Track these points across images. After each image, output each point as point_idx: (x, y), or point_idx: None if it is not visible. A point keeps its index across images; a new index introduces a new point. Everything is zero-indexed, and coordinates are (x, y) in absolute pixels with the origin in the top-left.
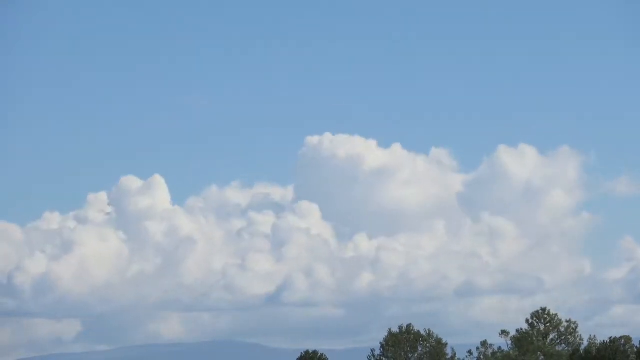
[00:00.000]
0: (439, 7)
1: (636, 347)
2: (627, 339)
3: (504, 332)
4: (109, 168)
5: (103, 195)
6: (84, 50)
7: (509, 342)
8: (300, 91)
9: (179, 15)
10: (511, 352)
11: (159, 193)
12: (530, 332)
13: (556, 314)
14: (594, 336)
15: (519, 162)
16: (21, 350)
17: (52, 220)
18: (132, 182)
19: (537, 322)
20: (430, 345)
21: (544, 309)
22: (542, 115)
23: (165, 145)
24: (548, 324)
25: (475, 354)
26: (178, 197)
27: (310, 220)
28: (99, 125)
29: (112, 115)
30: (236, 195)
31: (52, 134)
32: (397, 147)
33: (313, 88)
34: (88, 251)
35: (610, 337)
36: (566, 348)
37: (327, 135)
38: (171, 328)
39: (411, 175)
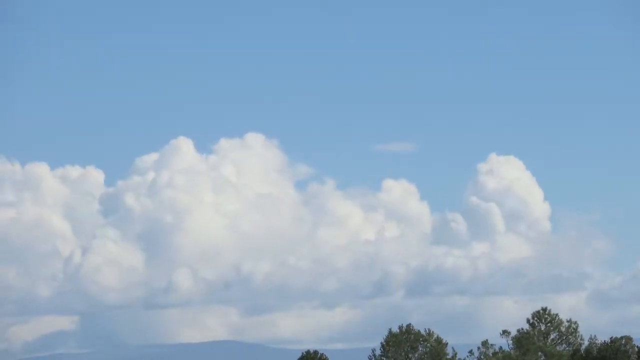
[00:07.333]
0: None
1: (637, 347)
2: (628, 339)
3: (505, 332)
4: None
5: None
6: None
7: (510, 342)
8: None
9: None
10: (512, 352)
11: None
12: (531, 332)
13: (557, 314)
14: (595, 336)
15: None
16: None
17: None
18: None
19: (537, 322)
20: (431, 345)
21: (544, 309)
22: None
23: None
24: (549, 324)
25: (476, 354)
26: None
27: None
28: None
29: None
30: None
31: None
32: None
33: None
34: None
35: (611, 337)
36: (567, 348)
37: None
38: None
39: None
